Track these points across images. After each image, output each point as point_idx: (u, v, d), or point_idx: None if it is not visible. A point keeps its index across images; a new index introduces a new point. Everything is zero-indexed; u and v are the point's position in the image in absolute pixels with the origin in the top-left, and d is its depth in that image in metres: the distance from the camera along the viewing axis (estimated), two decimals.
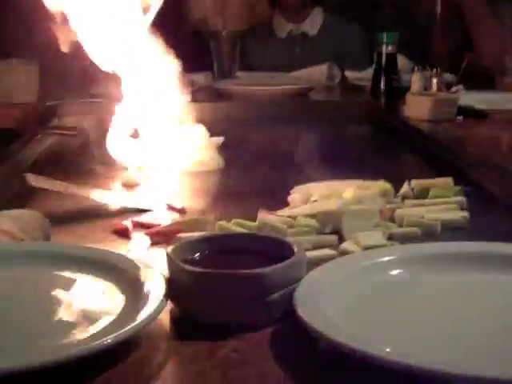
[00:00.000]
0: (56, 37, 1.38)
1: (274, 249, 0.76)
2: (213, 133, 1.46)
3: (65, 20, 1.33)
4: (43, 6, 1.34)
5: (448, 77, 2.06)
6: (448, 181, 1.11)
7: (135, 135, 1.41)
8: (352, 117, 1.97)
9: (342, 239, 0.92)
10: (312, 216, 0.96)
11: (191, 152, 1.39)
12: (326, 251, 0.88)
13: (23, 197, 1.15)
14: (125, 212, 1.07)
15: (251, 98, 2.19)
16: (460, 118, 1.72)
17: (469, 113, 1.74)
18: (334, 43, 2.75)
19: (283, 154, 1.54)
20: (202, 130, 1.43)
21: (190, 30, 2.72)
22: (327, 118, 1.95)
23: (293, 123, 1.88)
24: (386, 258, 0.79)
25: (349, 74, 2.47)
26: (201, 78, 2.36)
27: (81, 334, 0.65)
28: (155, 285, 0.71)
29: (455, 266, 0.78)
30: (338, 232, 0.94)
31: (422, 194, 1.09)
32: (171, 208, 1.10)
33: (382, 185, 1.08)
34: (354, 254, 0.86)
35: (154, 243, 0.94)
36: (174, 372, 0.62)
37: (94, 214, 1.08)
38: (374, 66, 2.12)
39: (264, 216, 0.97)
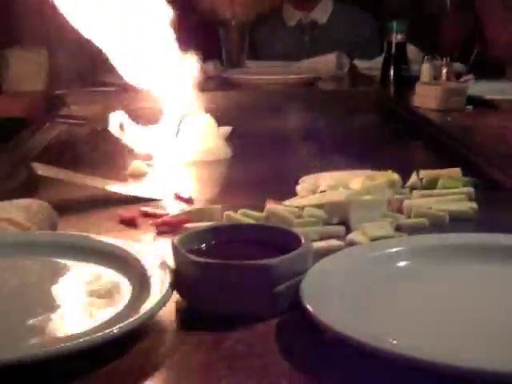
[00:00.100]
0: (65, 25, 1.37)
1: (281, 239, 0.75)
2: (221, 122, 1.46)
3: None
4: None
5: (458, 66, 2.05)
6: (456, 171, 1.11)
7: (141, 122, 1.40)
8: (361, 106, 1.96)
9: (349, 230, 0.92)
10: (319, 206, 0.96)
11: (199, 141, 1.38)
12: (333, 242, 0.87)
13: (31, 186, 1.15)
14: (132, 201, 1.07)
15: (260, 87, 2.19)
16: (470, 107, 1.71)
17: (478, 103, 1.73)
18: (343, 32, 2.73)
19: (291, 143, 1.53)
20: (210, 120, 1.43)
21: (199, 18, 2.71)
22: (336, 107, 1.95)
23: (301, 113, 1.87)
24: (394, 249, 0.79)
25: (358, 63, 2.46)
26: (210, 67, 2.35)
27: (87, 324, 0.64)
28: (161, 275, 0.71)
29: (463, 257, 0.78)
30: (345, 223, 0.93)
31: (431, 184, 1.09)
32: (178, 198, 1.09)
33: (390, 175, 1.08)
34: (361, 244, 0.85)
35: (160, 233, 0.94)
36: (180, 362, 0.62)
37: (101, 203, 1.08)
38: (383, 55, 2.11)
39: (271, 206, 0.96)
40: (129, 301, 0.69)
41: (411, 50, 2.15)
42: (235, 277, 0.68)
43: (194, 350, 0.64)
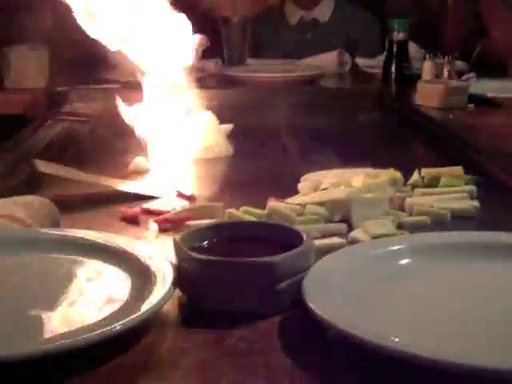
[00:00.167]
0: (66, 22, 1.37)
1: (283, 237, 0.75)
2: (222, 120, 1.45)
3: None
4: None
5: (459, 64, 2.05)
6: (458, 170, 1.11)
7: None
8: (362, 104, 1.96)
9: (350, 228, 0.92)
10: (321, 204, 0.96)
11: (201, 139, 1.38)
12: (335, 240, 0.87)
13: (33, 183, 1.15)
14: (134, 199, 1.07)
15: (261, 85, 2.19)
16: (471, 106, 1.71)
17: (480, 101, 1.72)
18: (345, 30, 2.73)
19: (293, 141, 1.53)
20: (211, 117, 1.42)
21: (200, 16, 2.71)
22: (337, 105, 1.95)
23: (303, 110, 1.87)
24: (396, 247, 0.79)
25: (360, 61, 2.46)
26: (211, 64, 2.35)
27: (89, 321, 0.65)
28: (163, 272, 0.71)
29: (465, 256, 0.78)
30: (346, 220, 0.93)
31: (432, 182, 1.08)
32: (180, 195, 1.09)
33: (392, 173, 1.08)
34: (363, 242, 0.86)
35: (162, 230, 0.94)
36: (182, 359, 0.62)
37: (103, 200, 1.08)
38: (385, 53, 2.10)
39: (273, 204, 0.96)
40: (131, 298, 0.69)
41: (413, 48, 2.15)
42: (237, 274, 0.68)
43: (196, 347, 0.64)
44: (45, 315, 0.67)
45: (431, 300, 0.70)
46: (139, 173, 1.26)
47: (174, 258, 0.73)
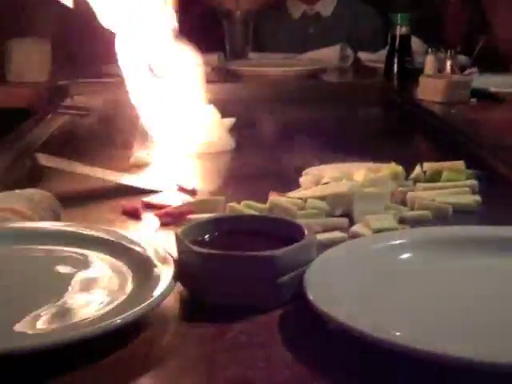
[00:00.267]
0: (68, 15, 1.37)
1: (285, 231, 0.75)
2: (224, 114, 1.45)
3: None
4: None
5: (462, 59, 2.04)
6: (460, 164, 1.10)
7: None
8: (365, 99, 1.96)
9: (352, 222, 0.92)
10: (322, 198, 0.96)
11: (203, 133, 1.38)
12: (337, 234, 0.87)
13: (34, 176, 1.15)
14: (135, 193, 1.07)
15: (263, 79, 2.18)
16: (474, 100, 1.71)
17: (483, 95, 1.72)
18: (347, 24, 2.73)
19: (295, 135, 1.53)
20: (213, 111, 1.42)
21: (202, 9, 2.70)
22: (339, 99, 1.94)
23: (305, 104, 1.87)
24: (397, 242, 0.79)
25: (362, 55, 2.45)
26: (213, 58, 2.35)
27: (90, 314, 0.65)
28: (164, 266, 0.71)
29: (466, 250, 0.78)
30: (348, 215, 0.93)
31: (434, 177, 1.08)
32: (182, 189, 1.09)
33: (394, 167, 1.07)
34: (364, 237, 0.85)
35: (163, 224, 0.94)
36: (183, 353, 0.62)
37: (104, 194, 1.08)
38: (387, 47, 2.10)
39: (274, 198, 0.96)
40: (132, 291, 0.69)
41: (415, 43, 2.15)
42: (238, 268, 0.68)
43: (196, 340, 0.64)
44: (44, 308, 0.67)
45: (432, 294, 0.70)
46: (140, 166, 1.26)
47: (174, 252, 0.73)
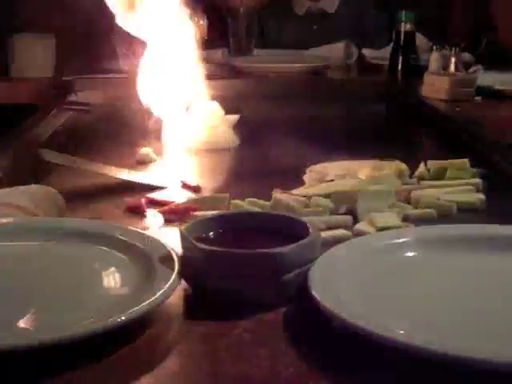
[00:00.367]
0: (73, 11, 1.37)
1: (289, 228, 0.75)
2: (228, 110, 1.45)
3: None
4: None
5: (467, 56, 2.04)
6: (464, 162, 1.10)
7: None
8: (369, 96, 1.95)
9: (356, 220, 0.92)
10: (326, 196, 0.96)
11: (206, 129, 1.38)
12: (341, 232, 0.87)
13: (38, 172, 1.15)
14: (139, 189, 1.07)
15: (268, 75, 2.18)
16: (478, 98, 1.70)
17: (488, 93, 1.72)
18: (352, 21, 2.72)
19: (299, 132, 1.53)
20: (217, 108, 1.42)
21: (207, 6, 2.70)
22: (344, 96, 1.94)
23: (309, 101, 1.87)
24: (401, 240, 0.79)
25: (366, 52, 2.45)
26: (217, 54, 2.35)
27: (94, 311, 0.65)
28: (169, 263, 0.71)
29: (470, 249, 0.78)
30: (352, 212, 0.93)
31: (438, 174, 1.08)
32: (186, 186, 1.09)
33: (398, 165, 1.07)
34: (368, 234, 0.85)
35: (167, 221, 0.94)
36: (187, 350, 0.62)
37: (108, 190, 1.08)
38: (392, 44, 2.10)
39: (278, 195, 0.96)
40: (136, 288, 0.69)
41: (420, 40, 2.14)
42: (243, 265, 0.68)
43: (201, 337, 0.64)
44: (49, 305, 0.67)
45: (436, 293, 0.70)
46: (145, 163, 1.26)
47: (179, 249, 0.73)
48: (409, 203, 0.97)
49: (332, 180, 1.03)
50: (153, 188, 1.08)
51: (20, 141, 1.35)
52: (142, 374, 0.59)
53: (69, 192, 1.01)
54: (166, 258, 0.72)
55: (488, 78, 1.79)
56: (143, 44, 1.38)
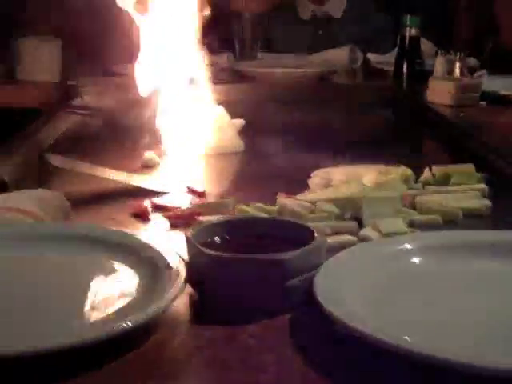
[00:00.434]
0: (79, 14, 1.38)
1: (294, 233, 0.75)
2: (233, 115, 1.45)
3: None
4: None
5: (471, 61, 2.04)
6: (470, 168, 1.10)
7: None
8: (374, 101, 1.95)
9: (361, 225, 0.91)
10: (332, 201, 0.96)
11: (212, 134, 1.38)
12: (346, 237, 0.87)
13: (44, 177, 1.15)
14: (144, 194, 1.07)
15: (272, 80, 2.18)
16: (483, 103, 1.70)
17: (493, 98, 1.71)
18: (357, 26, 2.72)
19: (304, 137, 1.53)
20: (222, 112, 1.42)
21: (212, 10, 2.70)
22: (349, 101, 1.94)
23: (314, 106, 1.87)
24: (407, 246, 0.79)
25: (371, 57, 2.45)
26: (222, 59, 2.35)
27: (100, 317, 0.65)
28: (174, 268, 0.71)
29: (476, 255, 0.78)
30: (357, 218, 0.93)
31: (444, 180, 1.08)
32: (191, 191, 1.09)
33: (403, 170, 1.07)
34: (374, 240, 0.85)
35: (173, 226, 0.94)
36: (193, 356, 0.62)
37: (114, 195, 1.08)
38: (397, 49, 2.09)
39: (283, 200, 0.96)
40: (142, 294, 0.69)
41: (425, 45, 2.14)
42: (249, 270, 0.68)
43: (206, 343, 0.64)
44: (54, 311, 0.67)
45: (442, 299, 0.70)
46: (150, 167, 1.26)
47: (184, 254, 0.73)
48: (414, 208, 0.97)
49: (337, 185, 1.03)
50: (158, 193, 1.08)
51: (25, 145, 1.35)
52: (148, 380, 0.59)
53: (74, 196, 1.01)
54: (172, 263, 0.72)
55: (493, 84, 1.79)
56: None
